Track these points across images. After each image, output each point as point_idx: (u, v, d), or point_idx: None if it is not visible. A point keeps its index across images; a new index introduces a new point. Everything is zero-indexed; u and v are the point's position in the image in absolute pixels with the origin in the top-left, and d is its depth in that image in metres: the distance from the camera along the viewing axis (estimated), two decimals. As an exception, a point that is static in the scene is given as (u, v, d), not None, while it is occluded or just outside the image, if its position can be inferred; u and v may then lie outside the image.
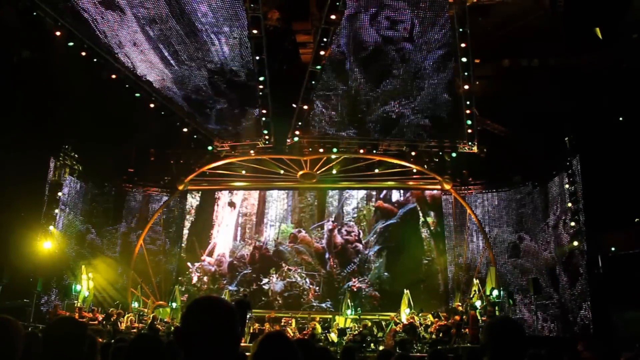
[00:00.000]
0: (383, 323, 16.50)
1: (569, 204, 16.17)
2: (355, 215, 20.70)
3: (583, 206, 15.65)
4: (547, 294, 16.75)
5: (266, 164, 19.57)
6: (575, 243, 15.73)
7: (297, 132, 17.64)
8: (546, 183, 17.75)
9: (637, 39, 14.32)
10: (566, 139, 16.38)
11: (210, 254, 20.78)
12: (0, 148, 14.75)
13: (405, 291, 18.36)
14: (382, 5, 14.18)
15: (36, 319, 15.43)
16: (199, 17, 14.48)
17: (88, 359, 2.84)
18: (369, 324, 16.15)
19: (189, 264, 20.60)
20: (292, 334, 15.31)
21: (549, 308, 16.76)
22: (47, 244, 16.59)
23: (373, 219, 20.47)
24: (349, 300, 18.21)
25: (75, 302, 17.25)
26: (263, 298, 19.67)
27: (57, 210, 17.30)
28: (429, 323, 15.99)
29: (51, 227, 16.93)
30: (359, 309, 18.05)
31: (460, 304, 17.50)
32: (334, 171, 19.51)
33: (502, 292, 16.73)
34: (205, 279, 20.39)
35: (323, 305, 19.43)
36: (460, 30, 14.23)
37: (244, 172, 20.25)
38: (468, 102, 16.06)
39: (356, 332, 15.65)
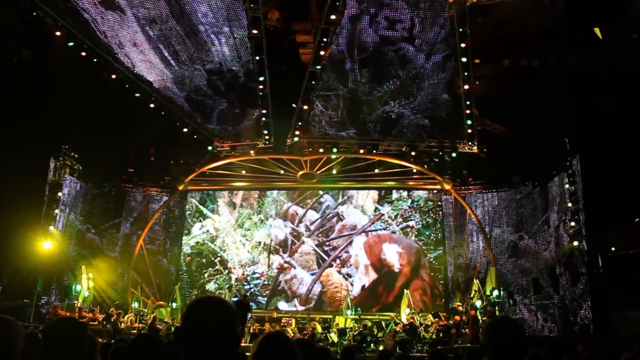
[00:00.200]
0: (383, 323, 16.50)
1: (569, 204, 16.16)
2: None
3: (583, 206, 15.65)
4: (547, 294, 16.75)
5: (266, 164, 19.58)
6: (575, 243, 15.73)
7: (297, 132, 17.64)
8: (546, 183, 17.75)
9: (637, 39, 14.32)
10: (566, 139, 16.38)
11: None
12: (0, 148, 14.77)
13: (405, 291, 18.38)
14: (381, 5, 14.17)
15: (36, 319, 15.44)
16: (199, 17, 14.47)
17: (88, 359, 2.84)
18: (369, 324, 16.15)
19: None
20: (292, 334, 15.30)
21: (549, 308, 16.76)
22: (47, 244, 16.59)
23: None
24: (349, 301, 18.23)
25: (75, 302, 17.26)
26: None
27: (57, 211, 17.30)
28: (429, 323, 15.99)
29: (51, 227, 16.93)
30: (359, 309, 18.06)
31: (460, 304, 17.50)
32: (334, 171, 19.51)
33: (502, 292, 16.74)
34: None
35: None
36: (460, 30, 14.23)
37: (244, 172, 20.25)
38: (468, 102, 16.05)
39: (356, 332, 15.65)
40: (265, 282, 20.13)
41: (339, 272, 19.94)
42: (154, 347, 2.98)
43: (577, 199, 15.91)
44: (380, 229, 20.29)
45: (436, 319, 16.03)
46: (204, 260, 20.67)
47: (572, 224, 15.94)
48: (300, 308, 19.53)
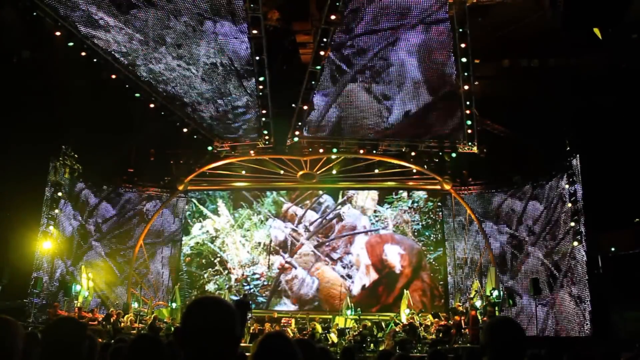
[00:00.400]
0: (383, 323, 16.50)
1: (569, 204, 16.16)
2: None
3: (583, 206, 15.65)
4: (546, 294, 16.75)
5: (266, 164, 19.59)
6: (575, 243, 15.73)
7: (297, 133, 17.64)
8: (546, 183, 17.75)
9: (637, 39, 14.31)
10: (566, 139, 16.38)
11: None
12: (0, 148, 14.77)
13: (405, 291, 18.37)
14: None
15: (36, 320, 15.44)
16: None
17: (87, 359, 2.84)
18: (369, 324, 16.14)
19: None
20: (292, 334, 15.30)
21: (549, 308, 16.75)
22: (46, 244, 16.59)
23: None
24: (349, 301, 18.23)
25: (75, 302, 17.27)
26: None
27: (56, 211, 17.29)
28: (429, 323, 15.99)
29: (51, 228, 16.92)
30: (358, 309, 18.07)
31: (460, 304, 17.51)
32: (334, 171, 19.52)
33: (502, 293, 16.74)
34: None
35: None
36: (460, 30, 14.22)
37: (243, 172, 20.26)
38: (468, 103, 16.05)
39: (356, 332, 15.65)
40: (265, 283, 20.12)
41: (334, 269, 19.92)
42: (153, 348, 2.98)
43: (577, 199, 15.91)
44: (381, 228, 20.27)
45: (436, 319, 16.03)
46: (203, 260, 20.66)
47: (572, 224, 15.94)
48: (293, 307, 19.51)
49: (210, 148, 19.03)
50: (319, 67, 15.27)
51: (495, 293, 16.56)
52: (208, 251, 20.73)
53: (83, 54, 15.09)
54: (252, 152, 18.91)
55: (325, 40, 14.43)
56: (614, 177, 14.99)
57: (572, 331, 15.51)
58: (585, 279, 15.37)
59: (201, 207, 21.34)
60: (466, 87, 15.58)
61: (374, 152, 18.44)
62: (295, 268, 20.08)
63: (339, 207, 20.72)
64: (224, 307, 2.04)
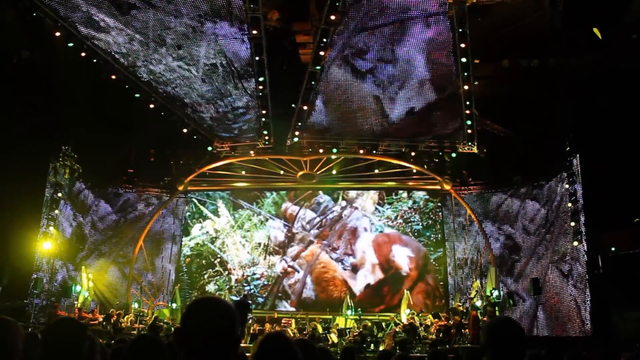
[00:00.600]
0: (383, 323, 16.51)
1: (569, 204, 16.16)
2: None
3: (583, 206, 15.65)
4: (546, 294, 16.74)
5: (266, 164, 19.59)
6: (575, 243, 15.72)
7: (296, 133, 17.65)
8: (546, 183, 17.74)
9: (637, 39, 14.32)
10: (566, 139, 16.38)
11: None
12: (0, 149, 14.77)
13: (405, 292, 18.38)
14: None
15: (36, 320, 15.44)
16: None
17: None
18: (369, 324, 16.15)
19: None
20: (292, 335, 15.30)
21: (549, 308, 16.75)
22: (46, 245, 16.59)
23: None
24: (349, 300, 18.23)
25: (75, 302, 17.27)
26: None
27: (56, 211, 17.29)
28: (429, 323, 15.99)
29: (51, 228, 16.92)
30: (359, 309, 18.07)
31: (460, 304, 17.51)
32: (334, 171, 19.52)
33: (502, 293, 16.74)
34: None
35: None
36: (460, 30, 14.23)
37: (243, 172, 20.26)
38: (468, 103, 16.06)
39: (356, 332, 15.66)
40: (266, 283, 20.12)
41: (327, 253, 19.94)
42: (154, 348, 2.98)
43: (577, 199, 15.91)
44: (384, 225, 20.27)
45: (436, 319, 16.03)
46: (203, 261, 20.66)
47: (572, 224, 15.93)
48: (293, 309, 19.55)
49: (210, 148, 19.04)
50: (318, 67, 15.28)
51: (496, 293, 16.56)
52: (208, 252, 20.72)
53: (83, 54, 15.10)
54: (252, 152, 18.92)
55: (325, 40, 14.44)
56: (614, 177, 14.99)
57: (572, 331, 15.51)
58: (585, 279, 15.36)
59: (201, 208, 21.34)
60: (466, 87, 15.59)
61: (374, 152, 18.45)
62: (298, 272, 20.02)
63: (339, 207, 20.69)
64: (224, 307, 2.04)
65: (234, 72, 16.05)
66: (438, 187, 19.59)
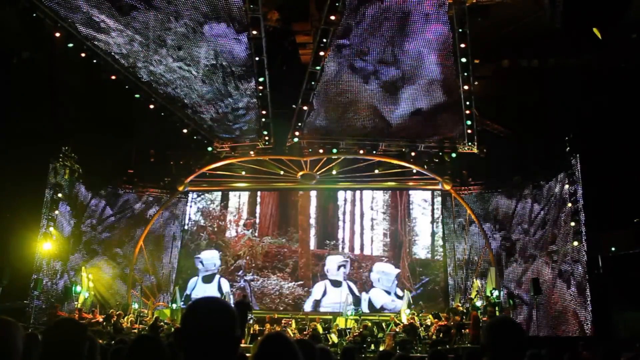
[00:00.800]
0: (383, 324, 16.50)
1: (569, 204, 16.16)
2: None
3: (583, 206, 15.64)
4: (546, 294, 16.74)
5: (266, 164, 19.59)
6: (575, 243, 15.72)
7: (296, 133, 17.65)
8: (546, 183, 17.74)
9: (637, 39, 14.31)
10: (566, 139, 16.38)
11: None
12: (0, 149, 14.77)
13: (405, 292, 18.38)
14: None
15: (36, 321, 15.43)
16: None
17: (88, 360, 2.84)
18: (370, 324, 16.15)
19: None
20: (292, 335, 15.30)
21: (549, 308, 16.75)
22: (46, 245, 16.59)
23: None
24: (349, 300, 18.23)
25: (75, 303, 17.26)
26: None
27: (56, 212, 17.29)
28: (429, 323, 15.99)
29: (51, 229, 16.92)
30: (359, 309, 18.06)
31: (460, 304, 17.50)
32: (334, 172, 19.52)
33: (502, 293, 16.73)
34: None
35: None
36: (460, 30, 14.23)
37: (243, 172, 20.26)
38: (468, 103, 16.06)
39: (356, 332, 15.65)
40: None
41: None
42: (154, 348, 2.98)
43: (577, 199, 15.90)
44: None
45: (436, 320, 16.02)
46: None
47: (572, 224, 15.93)
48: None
49: (210, 149, 19.05)
50: (318, 68, 15.29)
51: (496, 293, 16.55)
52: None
53: (83, 54, 15.10)
54: (252, 152, 18.92)
55: (325, 40, 14.45)
56: (614, 177, 14.98)
57: (573, 331, 15.51)
58: (585, 279, 15.36)
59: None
60: (466, 87, 15.59)
61: (374, 152, 18.46)
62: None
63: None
64: (224, 307, 2.04)
65: (234, 72, 16.06)
66: (438, 187, 19.60)
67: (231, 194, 21.62)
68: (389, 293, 19.26)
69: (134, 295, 18.99)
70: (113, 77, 15.93)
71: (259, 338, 2.17)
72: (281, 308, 19.42)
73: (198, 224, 21.28)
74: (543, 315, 16.73)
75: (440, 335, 14.86)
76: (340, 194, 21.28)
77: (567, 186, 16.31)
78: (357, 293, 19.37)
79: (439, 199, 20.22)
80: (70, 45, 14.77)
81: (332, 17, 13.87)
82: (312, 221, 21.05)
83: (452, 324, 15.13)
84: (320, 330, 16.14)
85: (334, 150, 18.38)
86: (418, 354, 13.75)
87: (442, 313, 16.50)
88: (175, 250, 20.87)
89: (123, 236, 19.90)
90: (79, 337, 2.73)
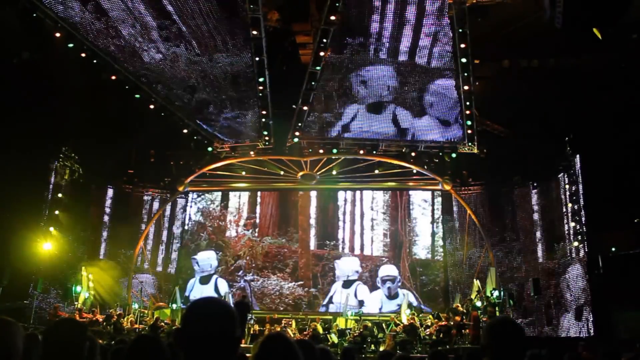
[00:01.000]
0: (383, 324, 16.49)
1: (569, 204, 16.16)
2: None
3: (583, 206, 15.65)
4: (547, 294, 16.74)
5: (266, 165, 19.59)
6: (575, 243, 15.72)
7: (297, 133, 17.65)
8: (546, 183, 17.74)
9: (637, 39, 14.30)
10: (566, 139, 16.38)
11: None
12: (0, 150, 14.76)
13: (405, 292, 18.37)
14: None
15: (36, 321, 15.43)
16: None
17: (88, 360, 2.84)
18: (370, 324, 16.14)
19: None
20: (292, 335, 15.29)
21: (549, 308, 16.74)
22: (47, 245, 16.58)
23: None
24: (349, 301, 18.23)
25: (76, 303, 17.26)
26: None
27: (57, 212, 17.29)
28: (430, 324, 15.98)
29: (51, 229, 16.92)
30: (360, 309, 18.05)
31: (460, 304, 17.49)
32: (334, 172, 19.51)
33: (502, 293, 16.73)
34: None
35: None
36: (460, 30, 14.22)
37: (244, 173, 20.25)
38: (468, 103, 16.06)
39: (356, 333, 15.65)
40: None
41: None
42: (154, 348, 2.98)
43: (577, 199, 15.90)
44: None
45: (436, 320, 16.02)
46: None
47: (572, 224, 15.93)
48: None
49: (210, 149, 19.04)
50: (318, 68, 15.29)
51: (496, 293, 16.54)
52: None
53: (83, 55, 15.09)
54: (252, 152, 18.92)
55: (325, 40, 14.43)
56: (614, 177, 14.98)
57: (573, 331, 15.51)
58: (585, 279, 15.36)
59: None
60: (466, 87, 15.59)
61: (374, 152, 18.45)
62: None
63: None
64: (224, 307, 2.04)
65: (234, 72, 16.06)
66: (438, 187, 19.60)
67: (231, 194, 21.62)
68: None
69: (133, 295, 18.98)
70: (113, 77, 15.91)
71: (259, 338, 2.17)
72: (281, 308, 19.42)
73: (198, 223, 21.29)
74: (543, 315, 16.73)
75: (441, 336, 14.85)
76: (341, 194, 21.29)
77: (567, 186, 16.31)
78: (367, 294, 19.33)
79: (439, 199, 20.24)
80: (71, 45, 14.76)
81: (332, 18, 13.86)
82: (312, 221, 21.05)
83: (453, 324, 15.13)
84: (321, 331, 16.14)
85: (334, 151, 18.38)
86: (418, 354, 13.74)
87: (443, 313, 16.51)
88: (175, 250, 20.87)
89: (123, 236, 19.88)
90: (79, 337, 2.73)
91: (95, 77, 15.92)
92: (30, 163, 16.03)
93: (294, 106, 16.74)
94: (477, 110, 16.52)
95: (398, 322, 16.34)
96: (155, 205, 20.71)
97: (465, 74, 15.23)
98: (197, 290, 19.90)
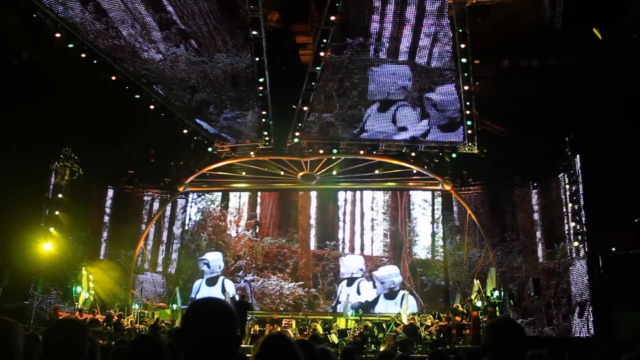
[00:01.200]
0: (384, 324, 16.49)
1: (569, 204, 16.16)
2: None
3: (583, 206, 15.64)
4: (547, 294, 16.73)
5: (266, 165, 19.59)
6: (576, 243, 15.72)
7: (297, 134, 17.65)
8: (546, 183, 17.74)
9: (637, 39, 14.30)
10: (566, 139, 16.38)
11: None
12: (0, 150, 14.77)
13: (406, 292, 18.37)
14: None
15: (36, 321, 15.43)
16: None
17: (88, 360, 2.84)
18: (370, 324, 16.14)
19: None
20: (292, 335, 15.29)
21: (550, 308, 16.74)
22: (47, 246, 16.59)
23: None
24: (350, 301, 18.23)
25: (76, 303, 17.26)
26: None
27: (57, 212, 17.29)
28: (430, 324, 15.98)
29: (52, 229, 16.92)
30: (359, 309, 18.05)
31: (460, 304, 17.49)
32: (334, 172, 19.52)
33: (502, 293, 16.73)
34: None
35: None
36: (460, 31, 14.22)
37: (244, 173, 20.26)
38: (468, 103, 16.06)
39: (357, 333, 15.65)
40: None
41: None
42: (154, 349, 2.98)
43: (577, 199, 15.90)
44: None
45: (437, 320, 16.01)
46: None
47: (573, 224, 15.93)
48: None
49: (210, 149, 19.05)
50: (319, 68, 15.28)
51: (496, 293, 16.54)
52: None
53: (83, 55, 15.08)
54: (252, 153, 18.92)
55: (325, 41, 14.42)
56: (614, 177, 14.98)
57: (573, 331, 15.50)
58: (585, 279, 15.36)
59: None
60: (466, 88, 15.59)
61: (374, 152, 18.45)
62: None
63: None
64: (224, 308, 2.04)
65: (234, 73, 16.06)
66: (438, 187, 19.60)
67: (231, 194, 21.63)
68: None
69: (134, 295, 18.98)
70: (113, 78, 15.91)
71: (260, 339, 2.17)
72: (281, 308, 19.42)
73: (198, 224, 21.29)
74: (544, 315, 16.73)
75: (441, 336, 14.85)
76: (341, 194, 21.29)
77: (567, 186, 16.31)
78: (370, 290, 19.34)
79: (440, 199, 20.24)
80: (71, 45, 14.75)
81: (332, 18, 13.86)
82: (313, 221, 21.05)
83: (453, 324, 15.12)
84: (321, 331, 16.14)
85: (334, 151, 18.38)
86: (418, 355, 13.74)
87: (443, 314, 16.51)
88: (175, 250, 20.87)
89: (123, 236, 19.89)
90: (79, 337, 2.73)
91: (95, 78, 15.92)
92: (30, 163, 16.03)
93: (294, 106, 16.73)
94: (477, 110, 16.51)
95: (398, 322, 16.34)
96: (156, 205, 20.72)
97: (465, 74, 15.22)
98: (204, 292, 19.67)
